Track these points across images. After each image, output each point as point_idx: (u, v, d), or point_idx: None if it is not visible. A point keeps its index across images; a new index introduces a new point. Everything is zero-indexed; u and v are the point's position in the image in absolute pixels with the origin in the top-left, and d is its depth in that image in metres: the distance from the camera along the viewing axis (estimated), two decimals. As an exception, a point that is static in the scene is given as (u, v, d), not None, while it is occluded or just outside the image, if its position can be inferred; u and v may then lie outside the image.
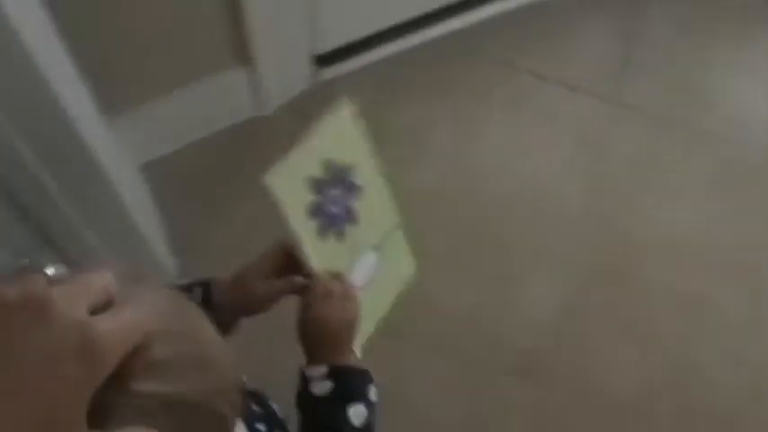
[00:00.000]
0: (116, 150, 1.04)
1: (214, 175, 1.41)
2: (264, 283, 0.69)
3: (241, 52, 1.34)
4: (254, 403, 0.64)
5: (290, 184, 0.68)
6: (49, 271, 0.41)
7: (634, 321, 1.35)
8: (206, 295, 0.70)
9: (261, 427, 0.62)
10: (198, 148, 1.42)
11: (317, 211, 0.70)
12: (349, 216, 0.73)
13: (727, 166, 1.50)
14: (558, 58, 1.57)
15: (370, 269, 0.75)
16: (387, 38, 1.53)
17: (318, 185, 0.70)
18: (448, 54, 1.56)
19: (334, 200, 0.72)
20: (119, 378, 0.38)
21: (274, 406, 0.68)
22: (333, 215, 0.72)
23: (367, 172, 0.73)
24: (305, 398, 0.67)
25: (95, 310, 0.39)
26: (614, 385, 1.30)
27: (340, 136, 0.71)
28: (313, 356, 0.68)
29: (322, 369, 0.67)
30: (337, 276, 0.71)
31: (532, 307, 1.34)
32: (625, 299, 1.36)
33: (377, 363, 0.70)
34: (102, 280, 0.40)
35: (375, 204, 0.74)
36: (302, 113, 1.46)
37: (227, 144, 1.43)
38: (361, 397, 0.67)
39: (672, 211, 1.45)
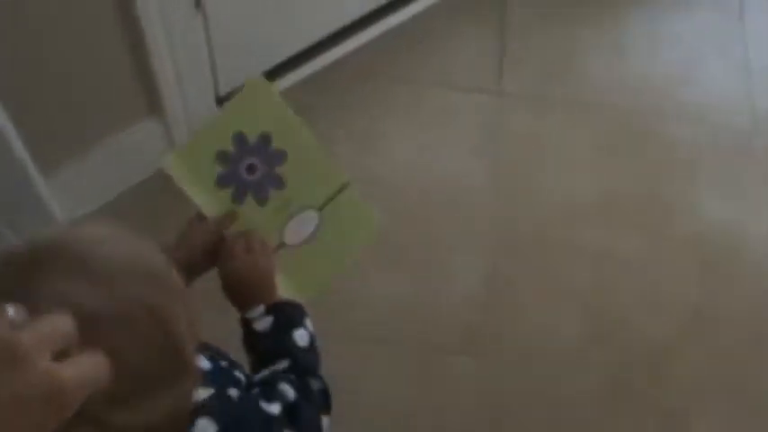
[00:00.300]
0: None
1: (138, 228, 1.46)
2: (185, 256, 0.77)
3: (150, 104, 1.41)
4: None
5: (192, 162, 0.77)
6: (10, 311, 0.41)
7: (554, 282, 1.47)
8: None
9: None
10: (118, 202, 1.47)
11: (226, 181, 0.79)
12: (273, 181, 0.81)
13: (609, 131, 1.66)
14: (442, 64, 1.70)
15: (308, 226, 0.84)
16: (282, 70, 1.64)
17: (227, 158, 0.79)
18: (342, 77, 1.66)
19: (250, 168, 0.80)
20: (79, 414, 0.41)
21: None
22: (247, 182, 0.80)
23: (292, 138, 0.81)
24: (251, 338, 0.75)
25: (58, 355, 0.40)
26: (550, 342, 1.41)
27: (253, 109, 0.80)
28: (246, 306, 0.76)
29: (260, 309, 0.76)
30: (247, 234, 0.79)
31: (461, 285, 1.44)
32: (542, 264, 1.48)
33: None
34: (65, 325, 0.41)
35: (307, 167, 0.83)
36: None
37: (146, 196, 1.48)
38: (300, 324, 0.76)
39: (569, 180, 1.58)
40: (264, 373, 0.73)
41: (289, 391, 0.69)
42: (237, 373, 0.69)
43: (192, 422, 0.59)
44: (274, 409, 0.67)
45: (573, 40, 1.77)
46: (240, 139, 0.79)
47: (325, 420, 0.72)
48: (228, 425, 0.62)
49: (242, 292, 0.78)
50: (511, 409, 1.35)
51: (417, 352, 1.38)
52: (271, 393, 0.68)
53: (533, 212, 1.54)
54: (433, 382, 1.37)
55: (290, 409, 0.68)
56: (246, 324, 0.76)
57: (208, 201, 0.79)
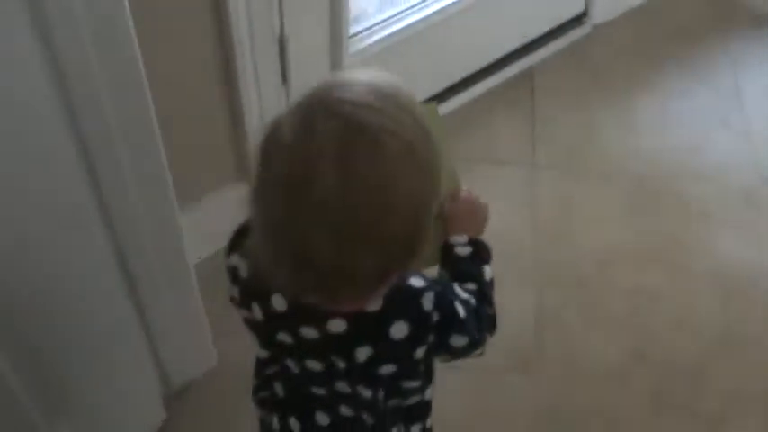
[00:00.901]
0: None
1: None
2: None
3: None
4: None
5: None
6: None
7: (594, 311, 1.68)
8: None
9: None
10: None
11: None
12: None
13: (630, 192, 1.91)
14: (485, 143, 1.99)
15: None
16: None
17: None
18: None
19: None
20: None
21: None
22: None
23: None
24: (450, 258, 0.95)
25: None
26: (596, 362, 1.61)
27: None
28: (454, 234, 0.97)
29: (464, 239, 0.96)
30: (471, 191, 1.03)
31: (515, 317, 1.66)
32: (583, 297, 1.71)
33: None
34: None
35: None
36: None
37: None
38: (489, 262, 0.96)
39: (600, 230, 1.83)
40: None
41: (472, 300, 0.90)
42: None
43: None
44: (460, 310, 0.87)
45: (591, 121, 2.06)
46: None
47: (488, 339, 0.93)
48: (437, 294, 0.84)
49: (456, 224, 0.97)
50: (562, 422, 1.54)
51: (475, 373, 1.57)
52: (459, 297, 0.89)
53: (571, 256, 1.77)
54: (490, 398, 1.56)
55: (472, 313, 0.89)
56: (449, 246, 0.96)
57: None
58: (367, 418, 0.95)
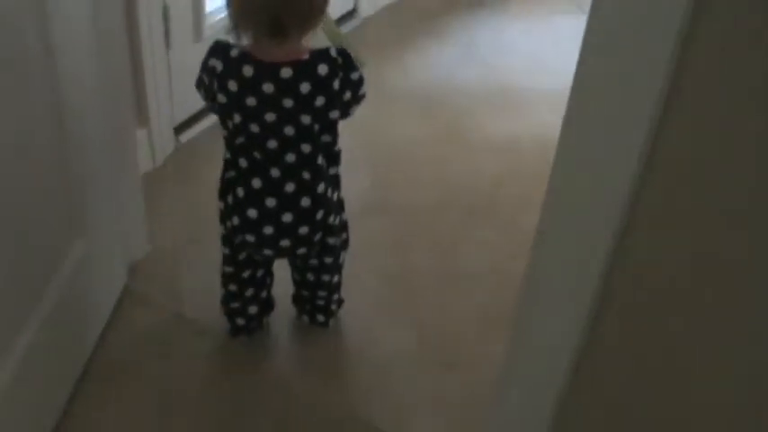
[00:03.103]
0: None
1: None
2: None
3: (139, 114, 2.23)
4: None
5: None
6: None
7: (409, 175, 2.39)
8: None
9: None
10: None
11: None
12: None
13: (421, 104, 2.67)
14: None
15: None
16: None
17: None
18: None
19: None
20: None
21: None
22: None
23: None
24: None
25: None
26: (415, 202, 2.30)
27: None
28: None
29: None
30: None
31: (360, 180, 2.31)
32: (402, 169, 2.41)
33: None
34: None
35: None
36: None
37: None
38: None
39: (406, 128, 2.55)
40: None
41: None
42: None
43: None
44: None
45: (378, 72, 2.82)
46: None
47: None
48: (338, 48, 1.46)
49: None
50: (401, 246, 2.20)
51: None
52: None
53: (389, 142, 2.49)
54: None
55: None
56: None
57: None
58: (305, 157, 1.51)
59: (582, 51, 0.93)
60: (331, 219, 1.61)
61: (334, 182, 1.62)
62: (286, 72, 1.41)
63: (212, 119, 2.45)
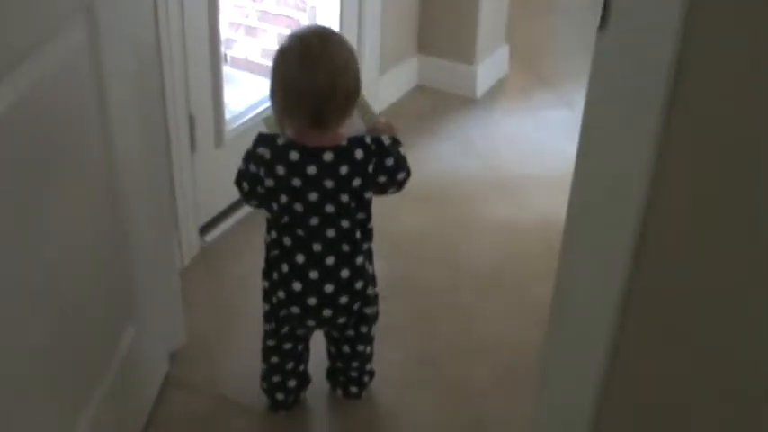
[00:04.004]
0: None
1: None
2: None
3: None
4: None
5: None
6: None
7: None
8: None
9: None
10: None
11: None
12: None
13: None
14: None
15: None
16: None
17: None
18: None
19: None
20: None
21: None
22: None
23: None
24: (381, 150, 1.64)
25: None
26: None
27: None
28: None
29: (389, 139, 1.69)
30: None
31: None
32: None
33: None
34: None
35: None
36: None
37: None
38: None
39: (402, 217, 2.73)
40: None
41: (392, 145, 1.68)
42: None
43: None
44: (385, 140, 1.67)
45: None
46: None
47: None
48: (372, 137, 1.65)
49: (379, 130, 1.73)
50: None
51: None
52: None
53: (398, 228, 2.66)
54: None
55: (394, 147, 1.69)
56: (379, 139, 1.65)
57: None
58: (344, 232, 1.69)
59: (578, 148, 1.13)
60: (368, 290, 1.77)
61: (369, 255, 1.78)
62: (328, 156, 1.60)
63: (234, 219, 2.64)
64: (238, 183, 1.72)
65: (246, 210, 2.65)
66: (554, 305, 1.28)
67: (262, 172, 1.64)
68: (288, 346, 1.83)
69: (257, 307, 1.85)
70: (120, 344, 1.73)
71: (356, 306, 1.74)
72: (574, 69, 3.71)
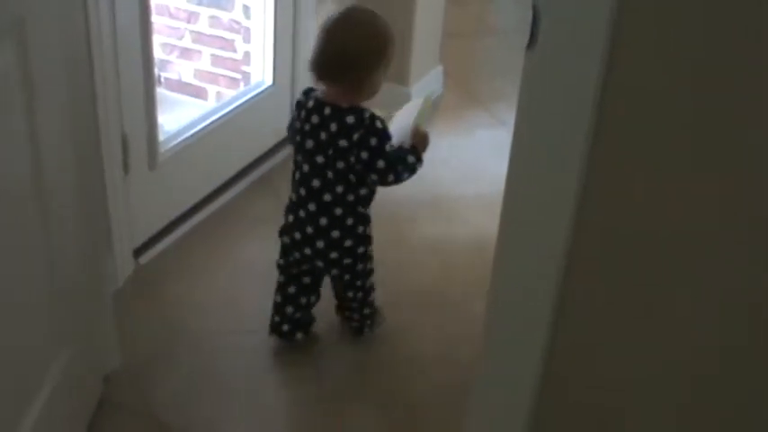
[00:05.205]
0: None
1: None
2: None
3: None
4: None
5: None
6: None
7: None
8: None
9: None
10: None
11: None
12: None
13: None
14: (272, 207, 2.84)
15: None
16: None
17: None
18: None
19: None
20: None
21: None
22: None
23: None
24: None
25: None
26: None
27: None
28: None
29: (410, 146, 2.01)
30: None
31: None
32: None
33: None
34: None
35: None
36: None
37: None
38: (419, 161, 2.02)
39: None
40: None
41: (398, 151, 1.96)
42: None
43: None
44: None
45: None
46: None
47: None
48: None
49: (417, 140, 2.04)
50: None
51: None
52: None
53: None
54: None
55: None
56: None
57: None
58: (338, 197, 1.93)
59: (509, 165, 1.18)
60: (359, 248, 2.05)
61: (365, 219, 2.08)
62: (327, 110, 1.89)
63: (169, 240, 2.62)
64: (289, 127, 2.03)
65: (182, 231, 2.64)
66: (487, 321, 1.30)
67: (294, 115, 1.96)
68: (294, 271, 2.11)
69: (193, 328, 1.84)
70: (52, 369, 1.70)
71: (346, 261, 2.02)
72: (508, 89, 3.77)
